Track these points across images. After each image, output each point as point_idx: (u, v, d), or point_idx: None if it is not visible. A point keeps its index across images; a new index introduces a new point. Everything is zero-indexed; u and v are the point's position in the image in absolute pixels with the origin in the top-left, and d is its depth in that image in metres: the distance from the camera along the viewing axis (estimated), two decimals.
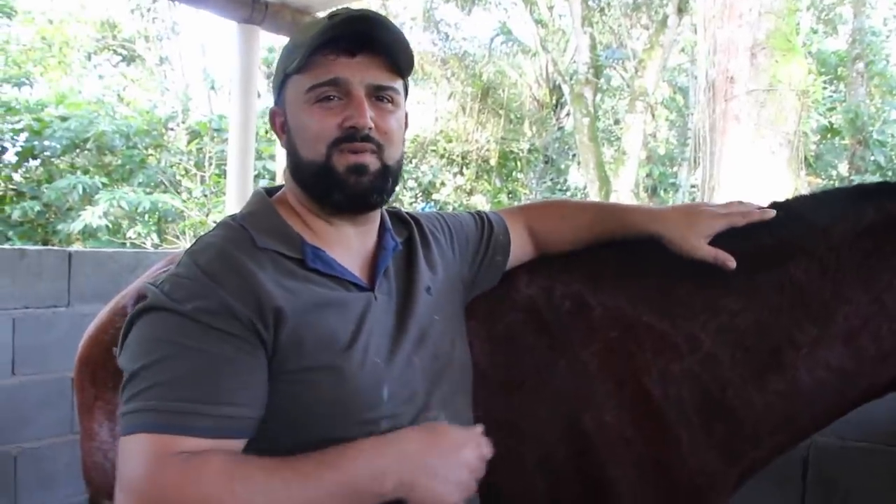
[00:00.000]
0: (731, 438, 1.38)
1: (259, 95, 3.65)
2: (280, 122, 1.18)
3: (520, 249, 1.49)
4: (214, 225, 1.19)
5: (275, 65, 1.19)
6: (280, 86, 1.16)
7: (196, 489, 0.91)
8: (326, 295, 1.08)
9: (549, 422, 1.39)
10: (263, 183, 7.73)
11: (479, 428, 1.13)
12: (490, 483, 1.31)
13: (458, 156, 14.21)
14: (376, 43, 1.10)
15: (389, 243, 1.22)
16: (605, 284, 1.48)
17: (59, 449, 2.67)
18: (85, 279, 2.74)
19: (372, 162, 1.11)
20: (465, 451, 1.07)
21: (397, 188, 1.35)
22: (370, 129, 1.10)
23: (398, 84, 1.15)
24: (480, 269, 1.42)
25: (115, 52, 14.12)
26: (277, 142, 1.25)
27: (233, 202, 3.40)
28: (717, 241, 1.43)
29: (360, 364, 1.06)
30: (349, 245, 1.17)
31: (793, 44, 5.69)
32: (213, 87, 13.26)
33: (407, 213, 1.35)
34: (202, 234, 1.16)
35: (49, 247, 5.80)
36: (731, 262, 1.36)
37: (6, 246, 5.35)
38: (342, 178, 1.10)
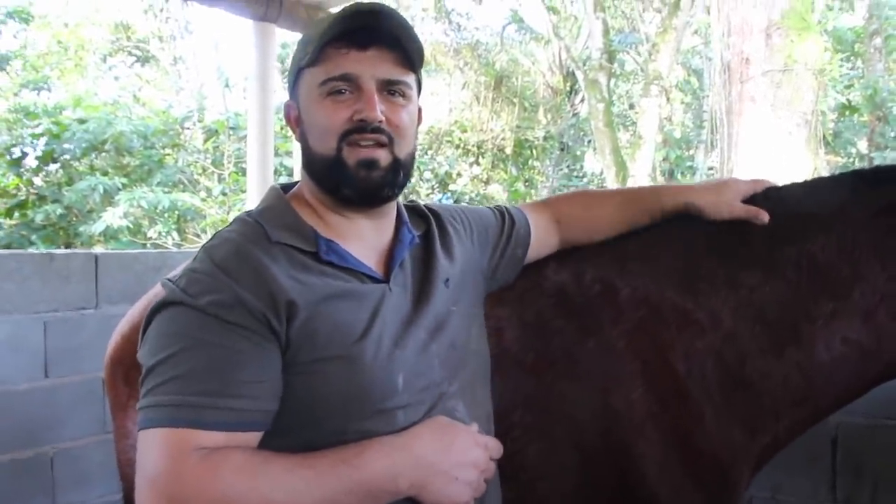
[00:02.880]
0: (752, 412, 1.41)
1: (275, 92, 3.67)
2: (294, 115, 1.19)
3: (543, 242, 1.51)
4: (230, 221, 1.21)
5: (289, 60, 1.20)
6: (294, 79, 1.17)
7: (215, 485, 0.93)
8: (340, 287, 1.09)
9: (580, 400, 1.43)
10: (282, 180, 7.76)
11: (475, 426, 1.16)
12: (524, 458, 1.39)
13: (473, 146, 14.18)
14: (385, 36, 1.11)
15: (406, 236, 1.23)
16: (631, 266, 1.52)
17: (94, 448, 2.72)
18: (112, 281, 2.78)
19: (383, 156, 1.12)
20: (474, 451, 1.11)
21: (413, 180, 1.36)
22: (380, 122, 1.11)
23: (410, 78, 1.16)
24: (500, 262, 1.43)
25: (129, 53, 14.22)
26: (294, 138, 1.28)
27: (254, 199, 3.43)
28: (731, 220, 1.48)
29: (374, 354, 1.07)
30: (364, 238, 1.18)
31: (808, 22, 5.63)
32: (227, 85, 13.32)
33: (426, 206, 1.36)
34: (219, 230, 1.19)
35: (76, 250, 5.87)
36: (765, 216, 1.44)
37: (34, 251, 5.43)
38: (352, 172, 1.11)
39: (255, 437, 1.01)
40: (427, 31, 13.71)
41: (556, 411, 1.44)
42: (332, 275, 1.10)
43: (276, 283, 1.03)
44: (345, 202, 1.16)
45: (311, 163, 1.16)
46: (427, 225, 1.30)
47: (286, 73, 1.26)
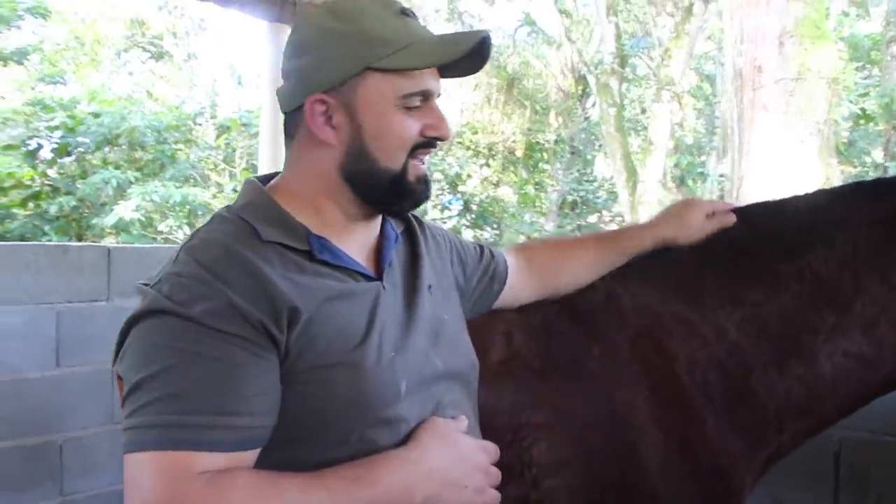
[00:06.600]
0: (754, 422, 1.43)
1: None
2: (322, 110, 1.05)
3: (520, 284, 1.48)
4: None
5: (319, 50, 1.06)
6: (345, 75, 1.04)
7: None
8: (336, 287, 1.04)
9: (585, 401, 1.46)
10: None
11: (465, 422, 1.13)
12: (531, 456, 1.42)
13: (484, 147, 14.20)
14: (481, 64, 1.12)
15: (391, 233, 1.18)
16: (635, 277, 1.54)
17: (102, 438, 2.75)
18: (124, 274, 2.80)
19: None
20: (478, 456, 1.09)
21: None
22: None
23: None
24: (476, 292, 1.40)
25: (143, 49, 14.30)
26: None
27: None
28: (739, 233, 1.51)
29: (377, 358, 1.02)
30: (356, 234, 1.12)
31: (822, 30, 5.62)
32: (239, 83, 13.39)
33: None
34: (196, 229, 1.08)
35: (90, 243, 5.91)
36: (732, 218, 1.50)
37: (49, 242, 5.47)
38: (413, 188, 1.09)
39: (255, 454, 0.94)
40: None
41: (562, 411, 1.46)
42: (326, 274, 1.04)
43: (274, 287, 0.96)
44: (389, 213, 1.15)
45: (366, 174, 1.07)
46: (406, 223, 1.26)
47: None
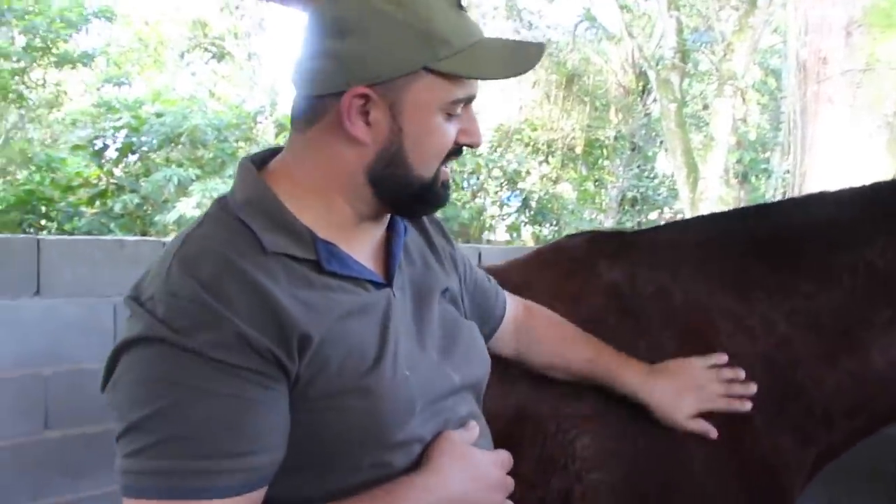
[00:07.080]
0: (803, 419, 1.39)
1: None
2: (360, 104, 0.94)
3: (501, 342, 1.39)
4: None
5: (371, 36, 0.93)
6: (399, 72, 0.93)
7: None
8: (347, 302, 0.95)
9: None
10: None
11: (476, 430, 1.06)
12: (574, 449, 1.40)
13: (543, 144, 14.11)
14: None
15: (400, 227, 1.09)
16: (685, 270, 1.51)
17: None
18: None
19: None
20: (495, 472, 1.04)
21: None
22: None
23: None
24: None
25: (205, 49, 14.64)
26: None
27: None
28: (792, 223, 1.46)
29: (392, 379, 0.94)
30: (364, 236, 1.04)
31: (894, 19, 5.42)
32: None
33: None
34: (187, 229, 0.95)
35: (146, 237, 6.06)
36: (713, 433, 1.33)
37: (107, 237, 5.63)
38: (438, 193, 1.02)
39: (264, 491, 0.88)
40: (498, 30, 13.70)
41: (607, 403, 1.43)
42: (335, 288, 0.95)
43: (282, 311, 0.86)
44: (409, 216, 1.10)
45: (397, 179, 0.98)
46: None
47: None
